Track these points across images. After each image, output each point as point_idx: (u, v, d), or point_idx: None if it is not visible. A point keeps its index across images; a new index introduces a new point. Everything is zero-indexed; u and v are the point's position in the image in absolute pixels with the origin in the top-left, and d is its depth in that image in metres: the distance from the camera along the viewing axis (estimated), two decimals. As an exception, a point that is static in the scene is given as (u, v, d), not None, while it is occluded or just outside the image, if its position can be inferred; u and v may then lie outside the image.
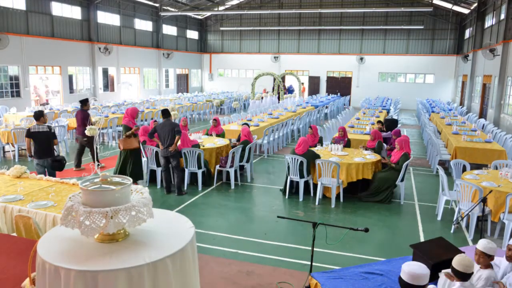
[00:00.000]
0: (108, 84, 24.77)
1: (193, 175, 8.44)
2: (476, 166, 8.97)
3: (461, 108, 21.58)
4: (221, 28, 32.62)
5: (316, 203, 7.52)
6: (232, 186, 8.46)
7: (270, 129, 11.71)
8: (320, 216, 7.05)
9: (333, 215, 7.11)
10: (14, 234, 4.48)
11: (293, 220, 4.31)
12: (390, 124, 12.98)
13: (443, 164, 10.60)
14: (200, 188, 8.33)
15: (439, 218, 6.93)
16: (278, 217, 4.44)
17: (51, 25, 20.00)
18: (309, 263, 4.14)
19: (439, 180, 7.11)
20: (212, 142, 9.11)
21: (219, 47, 34.02)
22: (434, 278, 3.63)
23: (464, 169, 7.73)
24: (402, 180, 7.59)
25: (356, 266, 5.15)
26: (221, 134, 10.11)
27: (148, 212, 2.41)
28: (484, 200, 4.94)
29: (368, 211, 7.32)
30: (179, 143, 7.91)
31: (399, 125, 13.92)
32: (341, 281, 4.63)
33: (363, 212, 7.25)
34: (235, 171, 8.64)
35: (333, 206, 7.40)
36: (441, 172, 6.95)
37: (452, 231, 6.44)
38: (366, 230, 3.71)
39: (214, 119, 10.22)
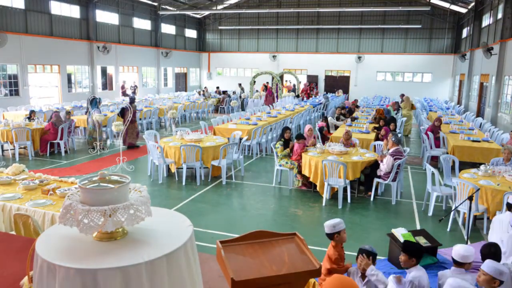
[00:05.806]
0: (107, 83, 24.73)
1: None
2: (472, 165, 9.02)
3: (459, 107, 21.63)
4: (220, 27, 32.60)
5: (323, 204, 7.52)
6: (224, 182, 8.53)
7: (268, 128, 11.72)
8: (318, 215, 7.08)
9: (329, 215, 7.13)
10: (13, 232, 4.50)
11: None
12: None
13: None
14: (198, 184, 8.46)
15: (429, 214, 7.06)
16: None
17: (50, 24, 19.97)
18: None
19: (434, 178, 7.12)
20: (212, 141, 9.13)
21: (217, 46, 34.00)
22: None
23: (453, 165, 8.02)
24: (394, 180, 7.57)
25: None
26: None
27: (146, 210, 2.42)
28: (470, 199, 5.03)
29: (366, 209, 7.36)
30: None
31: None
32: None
33: (360, 210, 7.29)
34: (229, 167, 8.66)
35: (340, 207, 7.36)
36: (430, 167, 7.04)
37: (448, 229, 6.47)
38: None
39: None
